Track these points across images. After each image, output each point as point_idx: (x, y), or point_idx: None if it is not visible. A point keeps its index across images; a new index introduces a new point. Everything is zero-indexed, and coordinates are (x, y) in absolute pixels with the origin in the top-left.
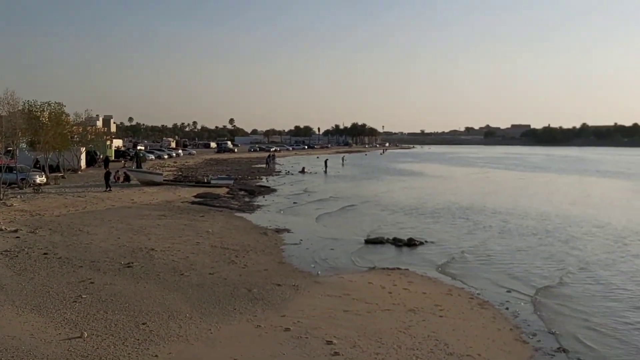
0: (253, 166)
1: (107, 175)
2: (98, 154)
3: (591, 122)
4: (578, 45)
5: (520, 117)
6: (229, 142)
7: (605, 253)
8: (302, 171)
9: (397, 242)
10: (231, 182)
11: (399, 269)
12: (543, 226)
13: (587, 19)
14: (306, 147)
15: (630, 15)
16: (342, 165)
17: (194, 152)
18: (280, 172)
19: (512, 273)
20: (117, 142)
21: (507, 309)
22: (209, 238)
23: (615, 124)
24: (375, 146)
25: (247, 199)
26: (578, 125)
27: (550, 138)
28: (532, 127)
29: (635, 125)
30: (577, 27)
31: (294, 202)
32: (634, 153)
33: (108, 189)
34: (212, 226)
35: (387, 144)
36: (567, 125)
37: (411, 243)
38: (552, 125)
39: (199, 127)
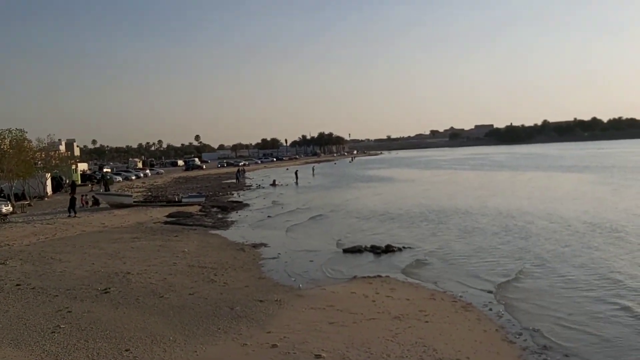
0: (223, 182)
1: (72, 200)
2: (64, 179)
3: (552, 119)
4: (536, 43)
5: (483, 118)
6: (197, 159)
7: (584, 248)
8: (273, 184)
9: (375, 250)
10: (203, 199)
11: (380, 276)
12: (518, 224)
13: (543, 17)
14: (275, 159)
15: (587, 14)
16: (313, 175)
17: (162, 171)
18: (251, 186)
19: (492, 273)
20: (82, 166)
21: (490, 309)
22: (185, 258)
23: (575, 119)
24: (344, 154)
25: (220, 216)
26: (539, 122)
27: (513, 136)
28: (495, 126)
29: (594, 119)
30: (533, 25)
31: (268, 216)
32: (594, 147)
33: (73, 214)
34: (187, 245)
35: (355, 152)
36: (529, 123)
37: (389, 249)
38: (514, 124)
39: (164, 145)
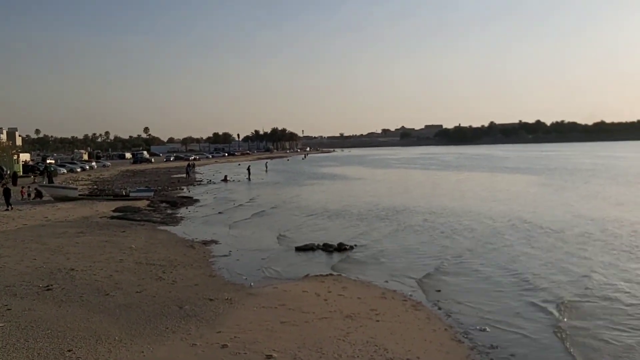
0: (173, 176)
1: (6, 192)
2: (5, 169)
3: (498, 121)
4: (484, 47)
5: (433, 118)
6: (145, 152)
7: (529, 247)
8: (225, 179)
9: (327, 248)
10: (151, 194)
11: (332, 275)
12: (464, 223)
13: (491, 23)
14: (226, 154)
15: (532, 20)
16: (266, 171)
17: (109, 163)
18: (201, 181)
19: (440, 271)
20: (25, 156)
21: (439, 308)
22: (132, 254)
23: (520, 121)
24: (297, 151)
25: (169, 211)
26: (486, 124)
27: (461, 137)
28: (444, 127)
29: (537, 122)
30: (483, 29)
31: (219, 212)
32: (537, 149)
33: (9, 207)
34: (134, 241)
35: (308, 149)
36: (476, 124)
37: (341, 248)
38: (462, 125)
39: (112, 137)
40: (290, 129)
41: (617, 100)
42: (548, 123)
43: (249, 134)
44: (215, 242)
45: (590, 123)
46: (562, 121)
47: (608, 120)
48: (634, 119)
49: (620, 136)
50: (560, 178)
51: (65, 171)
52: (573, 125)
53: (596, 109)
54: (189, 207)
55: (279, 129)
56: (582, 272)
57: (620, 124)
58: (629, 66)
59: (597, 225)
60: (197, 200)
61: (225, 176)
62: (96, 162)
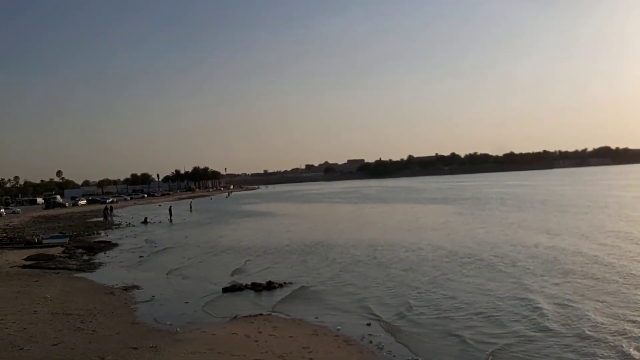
0: (89, 220)
1: None
2: None
3: (416, 154)
4: (401, 83)
5: (355, 152)
6: (59, 196)
7: (442, 274)
8: (145, 221)
9: (256, 287)
10: (66, 240)
11: (261, 315)
12: (388, 255)
13: (405, 58)
14: (146, 195)
15: (442, 60)
16: (191, 211)
17: (19, 210)
18: (120, 224)
19: (369, 304)
20: None
21: (370, 342)
22: (47, 304)
23: (437, 154)
24: (220, 189)
25: (86, 257)
26: (405, 157)
27: (382, 170)
28: (366, 161)
29: (453, 154)
30: (399, 66)
31: (140, 256)
32: (453, 180)
33: None
34: (49, 291)
35: (231, 187)
36: (396, 157)
37: (271, 286)
38: (383, 159)
39: (21, 182)
40: (212, 167)
41: (523, 133)
42: (462, 155)
43: (169, 173)
44: (137, 287)
45: (500, 154)
46: (475, 153)
47: (517, 151)
48: (540, 150)
49: (527, 166)
50: (472, 207)
51: None
52: (485, 157)
53: (506, 141)
54: (108, 252)
55: (201, 167)
56: (512, 297)
57: (527, 155)
58: (532, 102)
59: (499, 250)
60: (116, 245)
61: (146, 218)
62: (5, 208)
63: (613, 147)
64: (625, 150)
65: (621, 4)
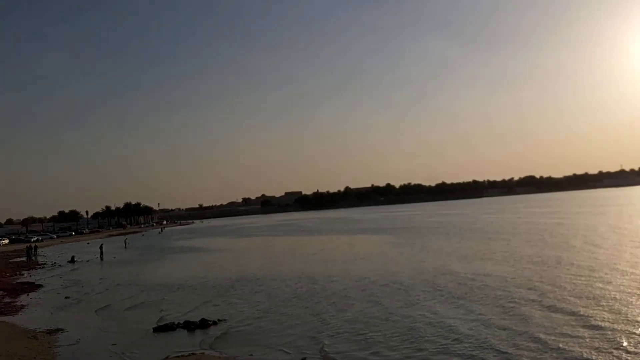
0: (11, 261)
1: None
2: None
3: (353, 186)
4: (338, 117)
5: (292, 185)
6: None
7: (376, 303)
8: (72, 260)
9: (189, 326)
10: None
11: (194, 354)
12: (325, 288)
13: (339, 93)
14: (73, 233)
15: (375, 94)
16: (126, 247)
17: None
18: (45, 264)
19: (304, 339)
20: None
21: None
22: None
23: (372, 185)
24: (153, 225)
25: (7, 300)
26: (342, 189)
27: (320, 202)
28: (303, 193)
29: (388, 185)
30: (331, 100)
31: (66, 297)
32: (388, 210)
33: None
34: None
35: (164, 222)
36: (333, 189)
37: (204, 324)
38: (320, 190)
39: None
40: (145, 202)
41: (453, 164)
42: (397, 186)
43: (99, 210)
44: (62, 330)
45: (433, 184)
46: (409, 183)
47: (448, 181)
48: (469, 179)
49: (458, 195)
50: (405, 236)
51: None
52: (419, 187)
53: (437, 172)
54: (31, 294)
55: (133, 203)
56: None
57: (457, 184)
58: (462, 133)
59: (430, 276)
60: (40, 286)
61: (73, 257)
62: None
63: (537, 176)
64: (549, 178)
65: (545, 40)
